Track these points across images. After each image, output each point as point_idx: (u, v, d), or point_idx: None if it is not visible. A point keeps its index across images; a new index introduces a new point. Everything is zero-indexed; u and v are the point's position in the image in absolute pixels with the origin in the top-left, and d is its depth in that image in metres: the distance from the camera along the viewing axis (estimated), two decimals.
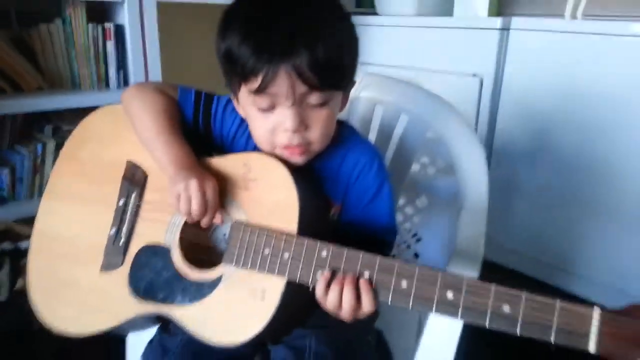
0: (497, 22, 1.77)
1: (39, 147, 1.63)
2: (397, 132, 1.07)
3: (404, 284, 0.63)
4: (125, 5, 1.66)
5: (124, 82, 1.76)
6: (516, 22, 1.76)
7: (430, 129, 1.02)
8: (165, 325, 0.83)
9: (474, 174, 0.93)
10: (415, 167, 1.27)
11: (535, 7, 1.93)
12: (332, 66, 0.67)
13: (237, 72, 0.68)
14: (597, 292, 1.71)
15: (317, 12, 0.68)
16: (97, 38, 1.68)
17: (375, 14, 2.23)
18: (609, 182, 1.62)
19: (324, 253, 0.67)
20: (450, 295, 0.60)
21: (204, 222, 0.73)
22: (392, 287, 0.63)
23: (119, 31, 1.71)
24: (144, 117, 0.79)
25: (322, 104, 0.70)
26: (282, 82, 0.66)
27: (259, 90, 0.67)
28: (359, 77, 0.80)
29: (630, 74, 1.52)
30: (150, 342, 0.83)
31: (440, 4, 2.06)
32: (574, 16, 1.83)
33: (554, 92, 1.70)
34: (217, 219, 0.73)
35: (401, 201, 1.16)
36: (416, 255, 1.13)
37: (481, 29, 1.81)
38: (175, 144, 0.76)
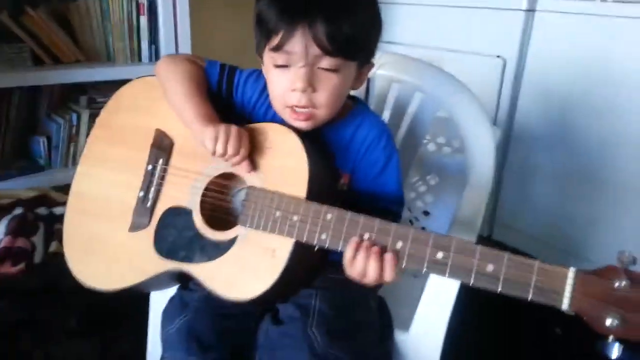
0: (523, 2, 1.76)
1: (74, 117, 1.73)
2: (411, 110, 1.10)
3: (399, 244, 0.68)
4: None
5: (156, 56, 1.83)
6: (542, 3, 1.74)
7: (442, 108, 1.05)
8: (186, 284, 0.90)
9: (480, 151, 0.97)
10: (430, 146, 1.31)
11: None
12: (346, 35, 0.72)
13: (262, 32, 0.76)
14: None
15: None
16: (132, 13, 1.75)
17: None
18: (630, 167, 1.61)
19: (329, 216, 0.72)
20: (440, 255, 0.65)
21: (242, 168, 0.79)
22: (388, 247, 0.69)
23: (152, 6, 1.78)
24: (175, 83, 0.86)
25: (333, 70, 0.75)
26: (297, 42, 0.72)
27: (277, 48, 0.73)
28: (378, 55, 0.85)
29: None
30: (172, 298, 0.90)
31: None
32: None
33: (578, 76, 1.68)
34: (245, 167, 0.79)
35: (413, 178, 1.21)
36: (423, 229, 1.18)
37: (506, 9, 1.81)
38: (204, 105, 0.83)
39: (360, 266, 0.70)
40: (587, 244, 1.76)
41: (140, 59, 1.81)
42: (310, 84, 0.75)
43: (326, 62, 0.74)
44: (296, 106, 0.77)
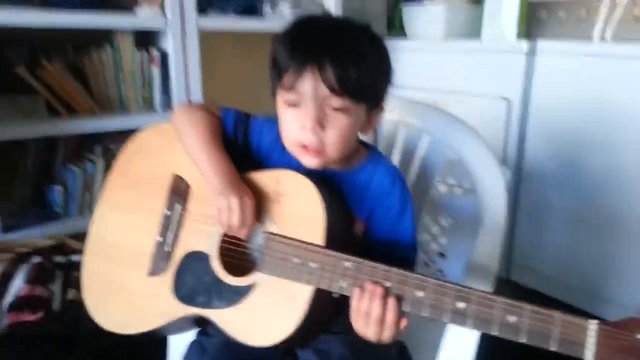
0: (524, 45, 1.80)
1: (90, 165, 1.76)
2: (420, 152, 1.13)
3: (420, 294, 0.69)
4: (169, 33, 1.78)
5: (168, 104, 1.87)
6: (543, 45, 1.79)
7: (451, 150, 1.07)
8: (205, 328, 0.90)
9: (491, 193, 0.98)
10: (441, 187, 1.33)
11: (564, 30, 1.96)
12: (354, 77, 0.75)
13: (275, 71, 0.79)
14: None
15: (352, 33, 0.79)
16: (143, 63, 1.81)
17: (404, 38, 2.30)
18: None
19: (347, 264, 0.74)
20: (461, 305, 0.66)
21: (241, 234, 0.82)
22: (408, 296, 0.70)
23: (164, 57, 1.83)
24: (191, 132, 0.88)
25: (342, 110, 0.78)
26: (307, 82, 0.75)
27: (288, 86, 0.77)
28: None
29: None
30: (191, 344, 0.90)
31: (469, 27, 2.11)
32: (602, 39, 1.85)
33: (583, 115, 1.71)
34: (243, 233, 0.82)
35: (425, 220, 1.22)
36: (440, 271, 1.18)
37: (509, 52, 1.85)
38: (218, 157, 0.85)
39: (365, 307, 0.71)
40: (604, 282, 1.74)
41: (153, 108, 1.85)
42: (320, 123, 0.77)
43: (335, 102, 0.77)
44: (305, 144, 0.80)
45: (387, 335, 0.72)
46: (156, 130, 0.97)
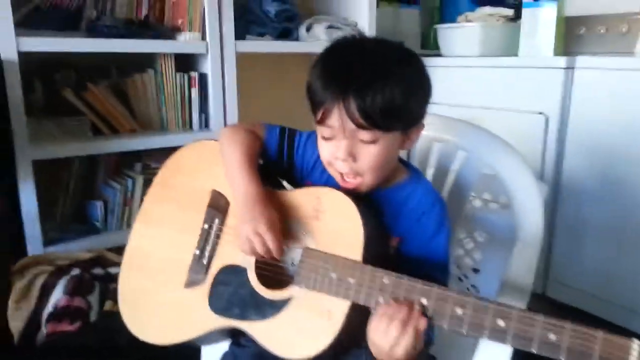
0: (562, 61, 1.78)
1: (130, 182, 1.81)
2: (454, 167, 1.12)
3: (459, 311, 0.68)
4: (209, 56, 1.84)
5: (205, 124, 1.93)
6: (582, 61, 1.76)
7: (486, 165, 1.06)
8: (238, 339, 0.91)
9: (528, 208, 0.96)
10: (476, 202, 1.31)
11: (603, 46, 1.92)
12: (379, 109, 0.75)
13: (310, 104, 0.81)
14: None
15: (381, 58, 0.79)
16: (184, 85, 1.87)
17: (439, 55, 2.30)
18: None
19: (386, 280, 0.74)
20: (501, 323, 0.66)
21: (270, 256, 0.83)
22: (448, 314, 0.69)
23: (202, 79, 1.89)
24: (230, 153, 0.90)
25: (372, 141, 0.78)
26: (335, 118, 0.77)
27: (320, 122, 0.79)
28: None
29: None
30: (224, 355, 0.92)
31: (505, 44, 2.10)
32: None
33: (621, 130, 1.67)
34: (277, 254, 0.82)
35: (460, 235, 1.20)
36: (473, 287, 1.16)
37: (546, 67, 1.83)
38: (249, 178, 0.87)
39: (384, 326, 0.71)
40: None
41: (191, 127, 1.91)
42: (351, 155, 0.79)
43: (363, 135, 0.78)
44: (341, 172, 0.82)
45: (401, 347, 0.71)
46: (196, 147, 0.99)
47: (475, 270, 1.19)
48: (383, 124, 0.77)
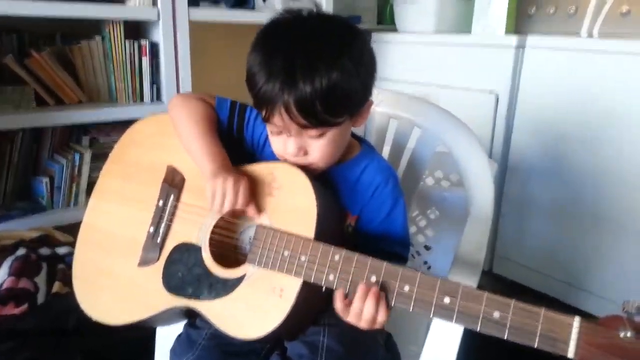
0: (513, 40, 1.82)
1: (77, 157, 1.74)
2: (410, 145, 1.13)
3: (407, 288, 0.70)
4: (160, 23, 1.77)
5: (157, 96, 1.86)
6: (532, 40, 1.80)
7: (440, 143, 1.08)
8: (193, 320, 0.91)
9: (480, 185, 0.99)
10: (428, 180, 1.34)
11: (552, 26, 1.97)
12: (321, 109, 0.73)
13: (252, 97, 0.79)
14: (611, 309, 1.71)
15: (321, 44, 0.74)
16: (134, 54, 1.80)
17: (395, 31, 2.31)
18: (624, 199, 1.64)
19: (337, 257, 0.74)
20: (447, 300, 0.67)
21: (246, 213, 0.82)
22: (395, 290, 0.71)
23: (154, 48, 1.82)
24: (186, 122, 0.88)
25: (321, 135, 0.78)
26: (278, 119, 0.76)
27: (265, 120, 0.79)
28: (375, 93, 0.87)
29: None
30: (179, 336, 0.91)
31: (459, 21, 2.13)
32: (590, 34, 1.87)
33: (569, 110, 1.73)
34: (251, 212, 0.81)
35: (414, 212, 1.23)
36: (425, 263, 1.19)
37: (498, 46, 1.87)
38: (213, 146, 0.85)
39: (357, 307, 0.72)
40: (586, 274, 1.77)
41: (142, 99, 1.84)
42: (301, 150, 0.79)
43: (311, 132, 0.78)
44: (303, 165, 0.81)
45: (378, 325, 0.73)
46: (152, 120, 0.97)
47: (427, 248, 1.22)
48: (329, 120, 0.76)
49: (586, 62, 1.68)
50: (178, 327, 0.93)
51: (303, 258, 0.75)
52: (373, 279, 0.72)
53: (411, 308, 0.69)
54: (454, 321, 0.66)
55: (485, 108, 1.89)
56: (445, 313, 0.67)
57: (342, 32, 0.77)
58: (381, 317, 0.72)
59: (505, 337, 0.63)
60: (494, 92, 1.88)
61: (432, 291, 0.68)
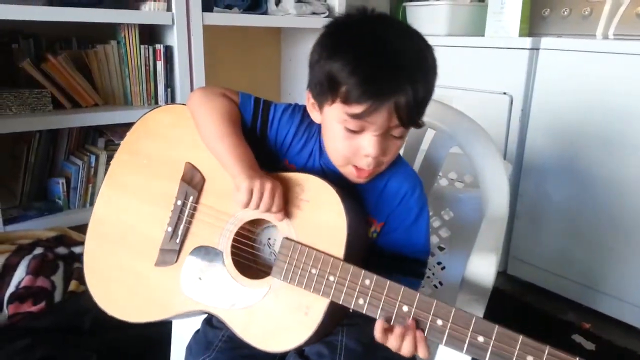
0: (527, 42, 1.81)
1: (92, 158, 1.76)
2: (424, 146, 1.13)
3: (439, 322, 0.68)
4: (175, 28, 1.79)
5: (171, 99, 1.88)
6: (546, 42, 1.80)
7: (455, 144, 1.08)
8: (210, 317, 0.89)
9: (495, 186, 0.99)
10: (442, 181, 1.33)
11: (566, 28, 1.96)
12: (423, 105, 0.75)
13: (338, 94, 0.73)
14: (627, 311, 1.71)
15: (418, 49, 0.75)
16: (149, 58, 1.82)
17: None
18: (639, 199, 1.63)
19: (367, 282, 0.72)
20: (480, 339, 0.66)
21: (277, 219, 0.79)
22: (428, 323, 0.69)
23: (168, 52, 1.84)
24: (210, 120, 0.84)
25: (401, 137, 0.77)
26: (382, 115, 0.72)
27: (358, 117, 0.72)
28: None
29: None
30: (196, 333, 0.90)
31: (472, 24, 2.12)
32: (605, 36, 1.86)
33: (584, 111, 1.72)
34: (279, 217, 0.78)
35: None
36: (439, 263, 1.19)
37: (511, 48, 1.86)
38: (240, 147, 0.82)
39: (395, 344, 0.71)
40: (602, 275, 1.76)
41: (156, 102, 1.86)
42: (383, 150, 0.76)
43: (398, 131, 0.75)
44: (362, 168, 0.78)
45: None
46: (169, 111, 0.93)
47: (441, 249, 1.22)
48: (418, 121, 0.76)
49: (601, 63, 1.67)
50: (195, 322, 0.92)
51: (332, 278, 0.73)
52: (405, 308, 0.70)
53: (443, 343, 0.68)
54: None
55: (500, 110, 1.88)
56: (478, 352, 0.66)
57: (421, 37, 0.78)
58: (422, 352, 0.70)
59: None
60: (508, 94, 1.87)
61: (466, 328, 0.66)
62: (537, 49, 1.81)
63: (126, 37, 1.78)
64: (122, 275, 0.89)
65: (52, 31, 1.75)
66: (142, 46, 1.80)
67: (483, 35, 2.02)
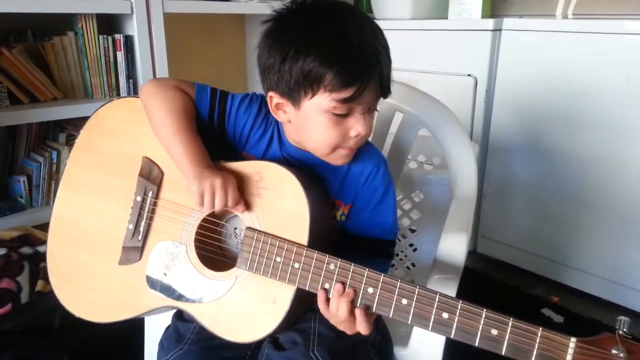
0: (490, 23, 1.83)
1: (54, 154, 1.71)
2: (392, 129, 1.13)
3: (404, 302, 0.69)
4: (134, 16, 1.73)
5: (134, 90, 1.83)
6: (508, 22, 1.82)
7: (423, 126, 1.08)
8: (180, 312, 0.88)
9: (463, 166, 1.00)
10: (411, 164, 1.34)
11: (527, 8, 1.99)
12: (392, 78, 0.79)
13: (321, 85, 0.73)
14: (593, 284, 1.76)
15: (366, 20, 0.77)
16: (108, 49, 1.76)
17: (372, 18, 2.30)
18: (603, 176, 1.67)
19: (332, 266, 0.73)
20: (445, 315, 0.67)
21: (239, 210, 0.79)
22: (393, 303, 0.70)
23: (129, 42, 1.79)
24: (162, 115, 0.83)
25: (375, 108, 0.80)
26: (369, 92, 0.75)
27: (349, 100, 0.74)
28: None
29: (621, 71, 1.57)
30: (167, 328, 0.89)
31: (435, 7, 2.13)
32: (564, 15, 1.89)
33: (547, 90, 1.75)
34: (240, 209, 0.79)
35: (398, 196, 1.23)
36: (411, 245, 1.20)
37: (474, 30, 1.88)
38: (193, 144, 0.81)
39: (333, 309, 0.73)
40: (569, 250, 1.81)
41: (118, 94, 1.81)
42: (370, 126, 0.79)
43: (376, 103, 0.79)
44: (352, 147, 0.80)
45: (360, 328, 0.73)
46: (122, 105, 0.90)
47: (412, 230, 1.23)
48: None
49: (562, 42, 1.70)
50: (166, 318, 0.91)
51: (297, 265, 0.74)
52: (370, 290, 0.71)
53: (409, 321, 0.69)
54: (452, 336, 0.67)
55: (464, 91, 1.90)
56: (443, 329, 0.67)
57: (356, 8, 0.82)
58: (361, 330, 0.72)
59: (503, 354, 0.64)
60: (472, 76, 1.89)
61: (430, 306, 0.68)
62: (500, 30, 1.83)
63: (84, 28, 1.72)
64: (87, 277, 0.87)
65: (5, 23, 1.67)
66: (100, 36, 1.74)
67: (446, 18, 2.03)
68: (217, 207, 0.77)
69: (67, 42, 1.71)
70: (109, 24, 1.81)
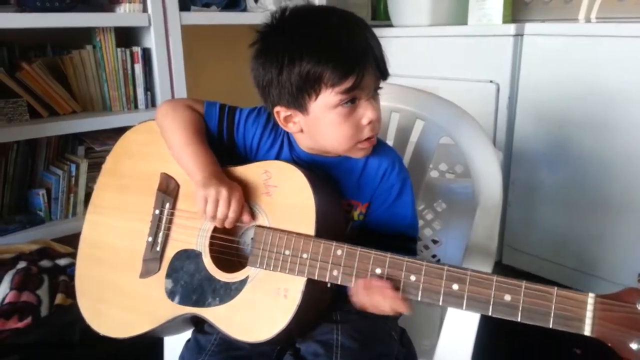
0: (511, 28, 1.80)
1: (73, 167, 1.71)
2: (413, 137, 1.11)
3: (413, 278, 0.69)
4: (152, 29, 1.74)
5: (152, 103, 1.84)
6: (530, 27, 1.78)
7: (445, 134, 1.06)
8: (201, 326, 0.88)
9: (487, 175, 0.97)
10: (433, 173, 1.31)
11: (549, 13, 1.95)
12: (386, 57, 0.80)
13: (323, 83, 0.75)
14: None
15: (360, 21, 0.80)
16: (126, 62, 1.77)
17: (390, 25, 2.28)
18: (630, 182, 1.63)
19: (339, 252, 0.73)
20: (455, 287, 0.65)
21: (228, 224, 0.80)
22: (402, 280, 0.69)
23: (146, 54, 1.80)
24: (174, 131, 0.87)
25: (378, 89, 0.81)
26: (369, 76, 0.76)
27: (353, 88, 0.75)
28: None
29: None
30: (187, 341, 0.89)
31: (454, 13, 2.10)
32: (587, 19, 1.85)
33: (570, 95, 1.71)
34: (246, 219, 0.80)
35: (420, 206, 1.20)
36: (434, 257, 1.17)
37: (496, 35, 1.85)
38: (202, 154, 0.84)
39: (366, 300, 0.73)
40: (596, 259, 1.76)
41: (136, 107, 1.82)
42: (378, 110, 0.80)
43: (377, 85, 0.80)
44: (371, 137, 0.80)
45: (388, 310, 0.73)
46: (142, 128, 0.95)
47: (435, 242, 1.20)
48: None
49: (585, 47, 1.67)
50: (186, 333, 0.91)
51: (305, 256, 0.75)
52: (378, 271, 0.71)
53: (419, 297, 0.68)
54: (464, 308, 0.65)
55: (487, 98, 1.87)
56: (455, 300, 0.66)
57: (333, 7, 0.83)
58: (388, 304, 0.71)
59: (519, 320, 0.62)
60: (494, 82, 1.86)
61: (439, 279, 0.67)
62: (521, 35, 1.79)
63: (102, 41, 1.73)
64: (111, 294, 0.89)
65: (26, 38, 1.70)
66: (118, 49, 1.75)
67: (466, 24, 2.01)
68: (219, 217, 0.79)
69: (85, 56, 1.73)
70: (127, 37, 1.82)
